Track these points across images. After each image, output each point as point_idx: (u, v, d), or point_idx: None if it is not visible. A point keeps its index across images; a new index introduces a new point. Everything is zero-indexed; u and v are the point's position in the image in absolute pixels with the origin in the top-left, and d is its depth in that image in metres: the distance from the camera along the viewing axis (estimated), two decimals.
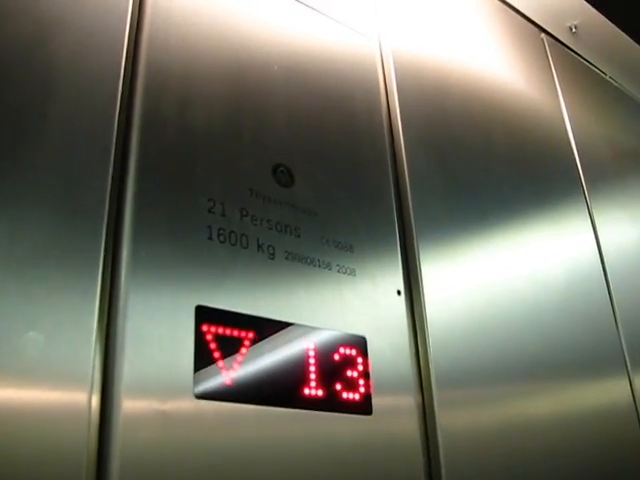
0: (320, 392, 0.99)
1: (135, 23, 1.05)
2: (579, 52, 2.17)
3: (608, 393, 1.51)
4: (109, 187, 0.90)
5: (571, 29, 2.16)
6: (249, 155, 1.08)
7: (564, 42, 2.13)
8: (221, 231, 0.99)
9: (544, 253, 1.56)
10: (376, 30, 1.49)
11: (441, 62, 1.60)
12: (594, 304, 1.61)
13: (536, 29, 2.04)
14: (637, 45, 2.49)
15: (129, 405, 0.80)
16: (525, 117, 1.77)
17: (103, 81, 0.96)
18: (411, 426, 1.09)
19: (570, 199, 1.78)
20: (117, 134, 0.94)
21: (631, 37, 2.46)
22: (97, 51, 0.97)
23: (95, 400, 0.79)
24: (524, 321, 1.39)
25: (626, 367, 1.59)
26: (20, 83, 0.88)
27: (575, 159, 1.86)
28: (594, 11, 2.32)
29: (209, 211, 0.99)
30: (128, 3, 1.04)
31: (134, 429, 0.80)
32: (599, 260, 1.72)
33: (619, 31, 2.38)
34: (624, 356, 1.60)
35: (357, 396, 1.03)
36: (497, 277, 1.40)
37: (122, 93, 0.97)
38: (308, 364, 1.00)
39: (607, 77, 2.26)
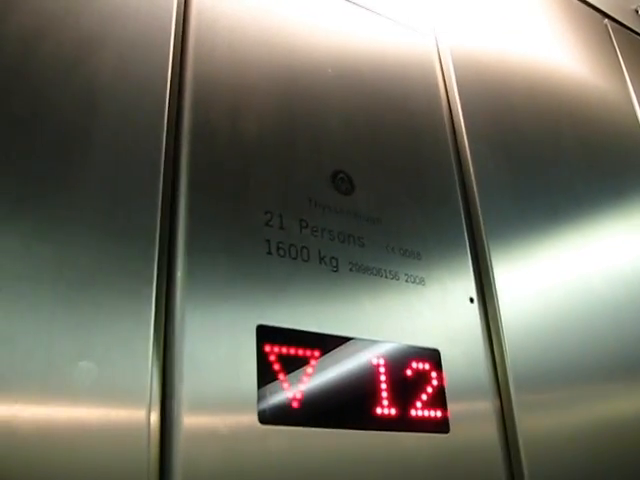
0: (393, 411, 0.93)
1: (180, 34, 1.01)
2: None
3: None
4: (160, 205, 0.85)
5: (637, 11, 2.05)
6: (305, 163, 1.03)
7: (629, 27, 2.02)
8: (280, 245, 0.93)
9: (622, 249, 1.48)
10: (431, 26, 1.42)
11: (501, 55, 1.53)
12: None
13: (599, 15, 1.94)
14: None
15: (190, 428, 0.76)
16: (593, 107, 1.68)
17: (149, 96, 0.92)
18: (491, 441, 1.02)
19: None
20: (166, 150, 0.90)
21: None
22: (141, 66, 0.94)
23: (154, 420, 0.75)
24: (603, 320, 1.31)
25: None
26: (62, 104, 0.85)
27: None
28: None
29: (266, 224, 0.94)
30: (172, 14, 1.01)
31: (196, 454, 0.75)
32: None
33: None
34: None
35: (433, 413, 0.97)
36: (572, 276, 1.33)
37: (169, 107, 0.93)
38: (379, 382, 0.93)
39: None
